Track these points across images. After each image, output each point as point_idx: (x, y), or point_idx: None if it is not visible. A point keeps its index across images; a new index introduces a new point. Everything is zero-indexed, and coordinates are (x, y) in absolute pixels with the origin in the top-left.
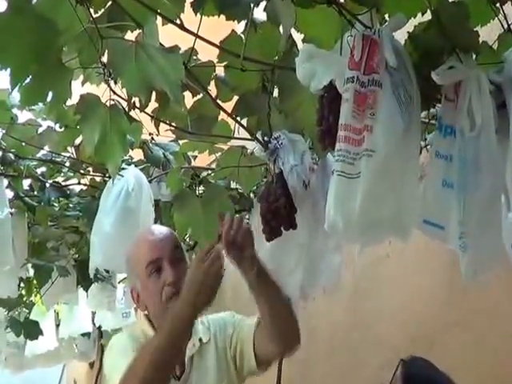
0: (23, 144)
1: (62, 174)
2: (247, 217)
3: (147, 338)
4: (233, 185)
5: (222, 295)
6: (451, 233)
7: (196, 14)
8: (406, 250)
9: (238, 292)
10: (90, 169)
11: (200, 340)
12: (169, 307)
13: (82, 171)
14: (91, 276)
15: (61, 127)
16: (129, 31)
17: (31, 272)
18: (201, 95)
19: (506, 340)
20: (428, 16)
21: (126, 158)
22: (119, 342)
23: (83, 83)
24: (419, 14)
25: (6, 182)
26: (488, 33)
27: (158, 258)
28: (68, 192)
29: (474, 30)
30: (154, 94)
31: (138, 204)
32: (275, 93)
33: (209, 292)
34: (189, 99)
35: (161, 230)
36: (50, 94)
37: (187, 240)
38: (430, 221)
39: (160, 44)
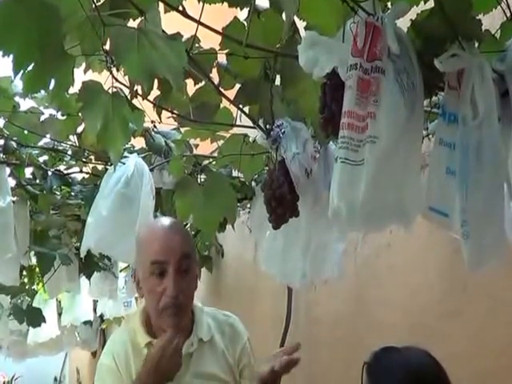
0: (25, 132)
1: (64, 163)
2: (249, 205)
3: (136, 339)
4: (234, 173)
5: (224, 283)
6: (455, 220)
7: (199, 1)
8: (408, 239)
9: (240, 280)
10: (92, 157)
11: (200, 340)
12: (162, 316)
13: (84, 159)
14: (82, 256)
15: (63, 115)
16: (131, 18)
17: (33, 260)
18: (203, 83)
19: (508, 329)
20: (431, 3)
21: (127, 146)
22: (102, 367)
23: (85, 71)
24: (422, 2)
25: (8, 170)
26: (490, 21)
27: (162, 262)
28: (70, 180)
29: (477, 18)
30: (156, 81)
31: (136, 192)
32: (277, 81)
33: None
34: (191, 87)
35: (177, 230)
36: (53, 82)
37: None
38: (434, 208)
39: (162, 31)
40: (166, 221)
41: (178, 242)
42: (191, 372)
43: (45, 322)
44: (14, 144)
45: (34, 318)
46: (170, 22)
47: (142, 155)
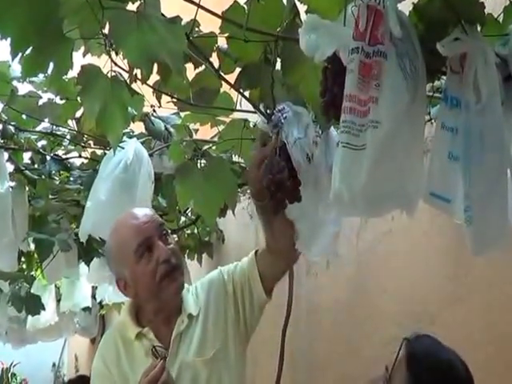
0: (24, 116)
1: (63, 147)
2: (249, 191)
3: (126, 334)
4: (235, 158)
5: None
6: (457, 206)
7: None
8: (409, 225)
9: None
10: (91, 142)
11: (189, 315)
12: (164, 287)
13: (82, 144)
14: (83, 240)
15: (62, 99)
16: (130, 2)
17: (32, 246)
18: (203, 67)
19: (510, 317)
20: None
21: (127, 130)
22: (95, 371)
23: (84, 54)
24: None
25: (6, 155)
26: (493, 5)
27: (148, 237)
28: (69, 165)
29: (480, 1)
30: (155, 65)
31: (135, 178)
32: (278, 65)
33: None
34: (191, 71)
35: (142, 211)
36: (51, 65)
37: (189, 214)
38: (436, 193)
39: (162, 15)
40: (124, 214)
41: (151, 216)
42: (183, 350)
43: (44, 309)
44: (12, 128)
45: (33, 305)
46: (170, 6)
47: (142, 140)
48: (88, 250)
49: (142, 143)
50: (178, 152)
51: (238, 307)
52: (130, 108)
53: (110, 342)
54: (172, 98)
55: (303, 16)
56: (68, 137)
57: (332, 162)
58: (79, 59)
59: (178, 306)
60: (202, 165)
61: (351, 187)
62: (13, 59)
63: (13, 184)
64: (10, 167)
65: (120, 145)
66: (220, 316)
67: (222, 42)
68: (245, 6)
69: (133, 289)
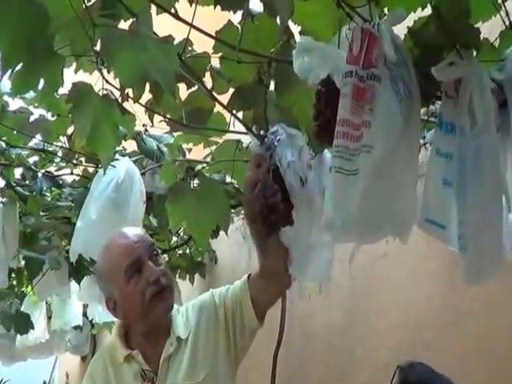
0: (15, 132)
1: (54, 164)
2: (243, 212)
3: (116, 355)
4: (228, 179)
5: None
6: (452, 232)
7: (191, 4)
8: (404, 249)
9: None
10: (83, 159)
11: (178, 338)
12: (153, 306)
13: (74, 161)
14: (72, 260)
15: (53, 116)
16: (122, 20)
17: (23, 262)
18: (196, 87)
19: (505, 342)
20: (428, 11)
21: (119, 149)
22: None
23: (76, 71)
24: (419, 9)
25: None
26: (489, 30)
27: (138, 258)
28: (60, 182)
29: (475, 26)
30: (148, 85)
31: (126, 198)
32: (271, 86)
33: None
34: (183, 91)
35: (133, 231)
36: (42, 82)
37: (181, 234)
38: (431, 219)
39: (154, 34)
40: (114, 233)
41: (141, 236)
42: (172, 374)
43: (33, 328)
44: (3, 144)
45: (22, 324)
46: (163, 25)
47: (134, 158)
48: (79, 268)
49: (135, 162)
50: (169, 172)
51: (229, 332)
52: (120, 127)
53: (100, 363)
54: (164, 117)
55: (297, 37)
56: (59, 153)
57: (325, 185)
58: (71, 75)
59: (166, 328)
60: (195, 185)
61: (344, 213)
62: (2, 76)
63: (4, 200)
64: (1, 183)
65: (112, 163)
66: (210, 340)
67: (215, 62)
68: (238, 26)
69: (122, 309)
